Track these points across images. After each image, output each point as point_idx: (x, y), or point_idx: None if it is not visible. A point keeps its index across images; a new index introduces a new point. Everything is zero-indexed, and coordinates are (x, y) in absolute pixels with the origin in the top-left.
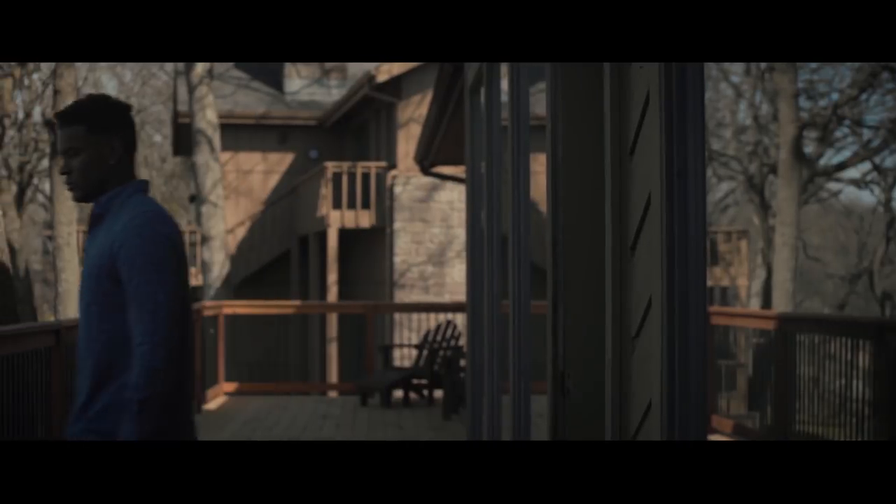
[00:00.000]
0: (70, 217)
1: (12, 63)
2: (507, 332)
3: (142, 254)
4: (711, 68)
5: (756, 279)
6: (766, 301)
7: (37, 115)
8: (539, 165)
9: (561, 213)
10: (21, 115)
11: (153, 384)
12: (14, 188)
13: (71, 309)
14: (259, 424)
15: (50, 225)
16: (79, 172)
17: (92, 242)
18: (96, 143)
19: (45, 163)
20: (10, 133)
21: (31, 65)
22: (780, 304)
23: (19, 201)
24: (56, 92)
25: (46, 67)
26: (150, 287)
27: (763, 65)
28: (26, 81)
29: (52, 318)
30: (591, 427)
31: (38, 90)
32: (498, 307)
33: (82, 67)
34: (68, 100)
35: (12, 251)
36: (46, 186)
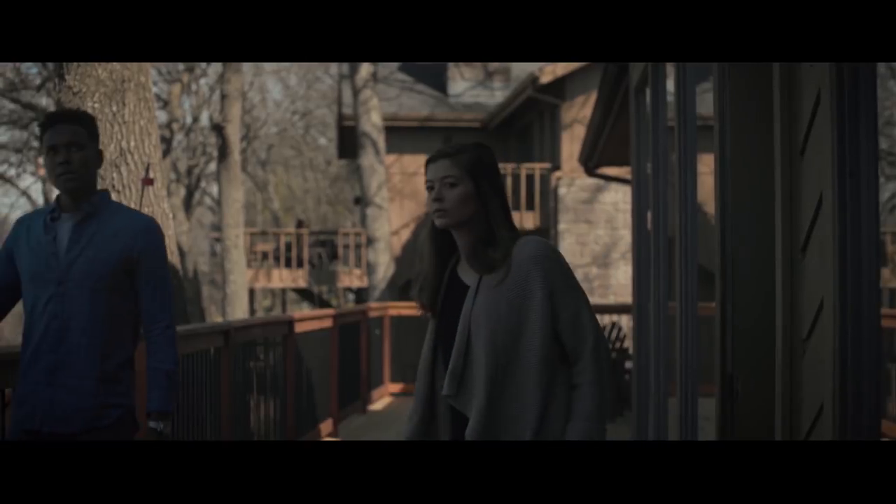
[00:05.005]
0: (237, 220)
1: (181, 69)
2: (673, 333)
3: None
4: (879, 66)
5: None
6: None
7: (204, 119)
8: (704, 166)
9: (729, 214)
10: (189, 120)
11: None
12: (182, 191)
13: (239, 309)
14: None
15: (217, 227)
16: (81, 165)
17: (81, 236)
18: (93, 147)
19: (213, 166)
20: (179, 137)
21: (198, 70)
22: None
23: (188, 204)
24: (223, 96)
25: (213, 73)
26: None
27: None
28: (194, 87)
29: (220, 319)
30: (760, 430)
31: (206, 95)
32: (665, 309)
33: (248, 72)
34: (235, 105)
35: (181, 253)
36: (214, 189)
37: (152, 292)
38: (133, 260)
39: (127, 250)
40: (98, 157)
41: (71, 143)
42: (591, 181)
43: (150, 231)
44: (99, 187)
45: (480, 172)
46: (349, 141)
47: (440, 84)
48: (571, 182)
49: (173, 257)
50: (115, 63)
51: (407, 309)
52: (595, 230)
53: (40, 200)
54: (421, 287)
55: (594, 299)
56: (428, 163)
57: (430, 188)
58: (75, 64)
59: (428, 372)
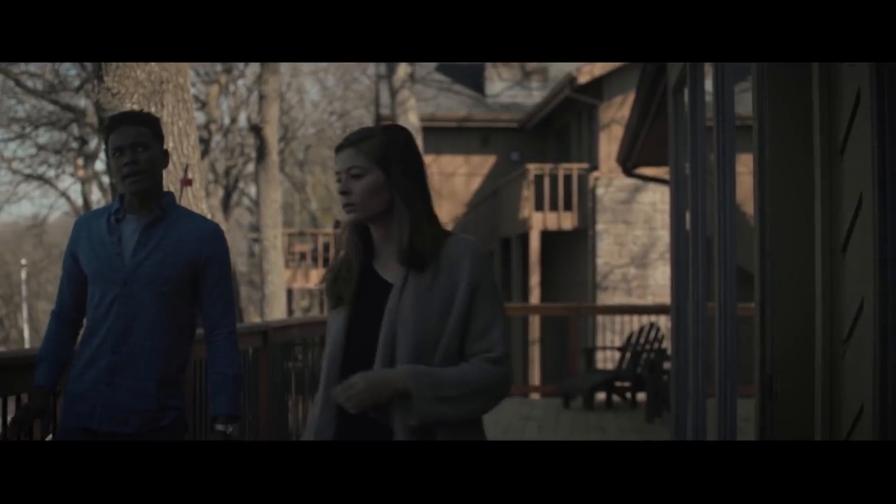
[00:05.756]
0: (275, 220)
1: (219, 70)
2: (712, 334)
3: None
4: None
5: None
6: None
7: (242, 120)
8: (743, 166)
9: (768, 214)
10: (227, 121)
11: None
12: (221, 192)
13: (277, 310)
14: None
15: (256, 228)
16: (148, 165)
17: (149, 239)
18: (159, 147)
19: (251, 167)
20: (217, 138)
21: (236, 71)
22: None
23: (226, 205)
24: (261, 97)
25: (251, 74)
26: (231, 284)
27: None
28: (231, 88)
29: (258, 320)
30: (800, 432)
31: (244, 96)
32: (703, 309)
33: (286, 73)
34: (273, 105)
35: None
36: (252, 190)
37: (216, 298)
38: (199, 265)
39: (194, 255)
40: (164, 157)
41: (136, 143)
42: (630, 181)
43: (216, 237)
44: None
45: (390, 159)
46: None
47: (478, 84)
48: (609, 182)
49: None
50: (153, 64)
51: None
52: (633, 230)
53: (80, 202)
54: (339, 278)
55: (632, 300)
56: (335, 153)
57: (338, 181)
58: (114, 65)
59: (337, 378)
